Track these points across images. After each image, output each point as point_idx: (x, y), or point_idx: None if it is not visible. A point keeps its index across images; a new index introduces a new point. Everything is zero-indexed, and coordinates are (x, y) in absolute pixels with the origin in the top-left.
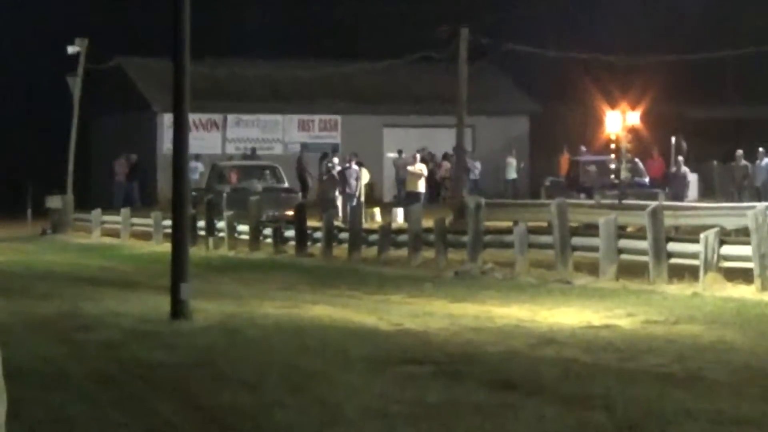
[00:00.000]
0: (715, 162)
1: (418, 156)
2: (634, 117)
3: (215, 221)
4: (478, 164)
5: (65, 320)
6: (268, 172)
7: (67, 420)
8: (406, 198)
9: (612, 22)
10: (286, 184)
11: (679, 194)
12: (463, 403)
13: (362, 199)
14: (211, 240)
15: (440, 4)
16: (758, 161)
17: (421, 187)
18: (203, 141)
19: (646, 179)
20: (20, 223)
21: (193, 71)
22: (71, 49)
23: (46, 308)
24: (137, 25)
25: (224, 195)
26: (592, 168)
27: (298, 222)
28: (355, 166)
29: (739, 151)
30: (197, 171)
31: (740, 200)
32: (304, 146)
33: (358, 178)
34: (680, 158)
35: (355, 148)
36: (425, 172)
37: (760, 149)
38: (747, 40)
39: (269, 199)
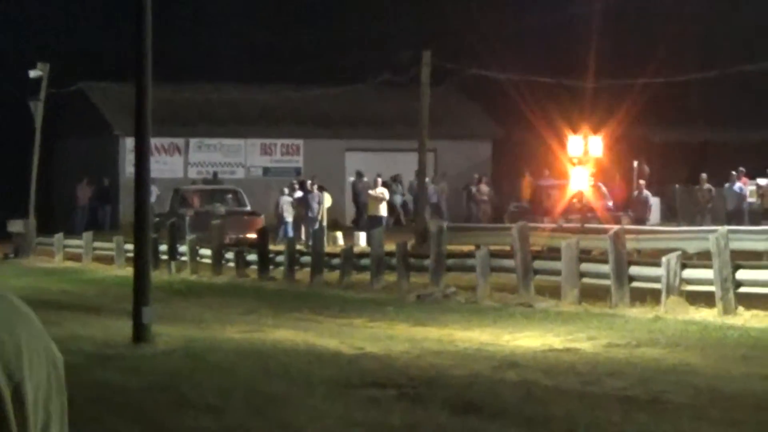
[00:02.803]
0: (677, 185)
1: (379, 180)
2: (596, 141)
3: (177, 245)
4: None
5: None
6: (230, 195)
7: None
8: (368, 222)
9: (576, 46)
10: (248, 208)
11: (641, 218)
12: (425, 426)
13: (324, 223)
14: (173, 264)
15: (404, 29)
16: (729, 184)
17: (383, 211)
18: (165, 165)
19: (610, 203)
20: None
21: (155, 95)
22: (33, 74)
23: None
24: (100, 50)
25: (187, 218)
26: (555, 192)
27: (261, 246)
28: (317, 191)
29: (703, 175)
30: (154, 194)
31: (703, 224)
32: (267, 170)
33: (320, 202)
34: (642, 182)
35: (317, 172)
36: (387, 196)
37: (733, 172)
38: (711, 63)
39: (232, 222)
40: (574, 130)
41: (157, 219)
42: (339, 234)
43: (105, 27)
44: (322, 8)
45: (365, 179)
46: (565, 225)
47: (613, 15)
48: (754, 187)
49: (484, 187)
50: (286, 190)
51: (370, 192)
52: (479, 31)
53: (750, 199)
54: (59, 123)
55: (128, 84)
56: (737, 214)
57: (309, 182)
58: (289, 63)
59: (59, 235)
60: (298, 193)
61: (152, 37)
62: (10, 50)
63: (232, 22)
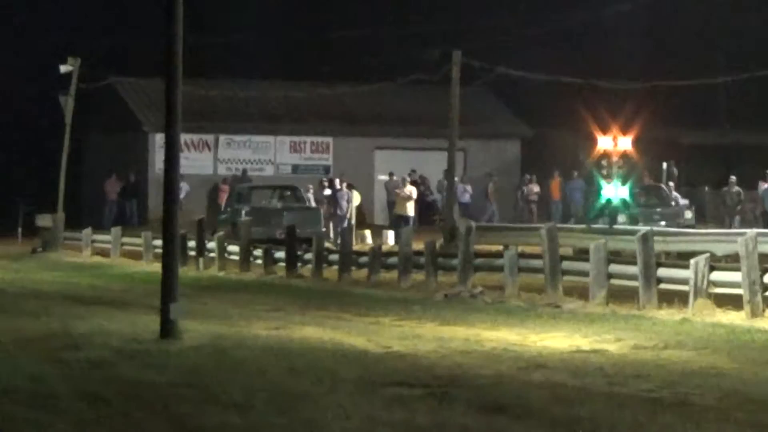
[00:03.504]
0: (706, 188)
1: (407, 179)
2: (625, 142)
3: (206, 241)
4: (469, 188)
5: (54, 339)
6: (289, 192)
7: None
8: (395, 221)
9: (606, 47)
10: (307, 204)
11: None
12: (451, 425)
13: (353, 221)
14: (201, 260)
15: (434, 27)
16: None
17: (410, 210)
18: (195, 161)
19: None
20: (11, 242)
21: (185, 92)
22: (63, 69)
23: (36, 326)
24: (130, 46)
25: (244, 214)
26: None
27: (288, 243)
28: (345, 189)
29: (732, 177)
30: (183, 191)
31: (732, 226)
32: (296, 168)
33: (349, 200)
34: (671, 184)
35: (346, 170)
36: (414, 195)
37: None
38: (740, 65)
39: (292, 218)
40: (604, 131)
41: (223, 216)
42: (367, 232)
43: (136, 22)
44: (353, 6)
45: (395, 178)
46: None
47: (644, 16)
48: None
49: (535, 187)
50: (311, 188)
51: (397, 191)
52: (509, 31)
53: None
54: (89, 118)
55: (158, 80)
56: None
57: (338, 180)
58: (319, 60)
59: (87, 230)
60: (327, 191)
61: (183, 33)
62: (41, 45)
63: (262, 18)
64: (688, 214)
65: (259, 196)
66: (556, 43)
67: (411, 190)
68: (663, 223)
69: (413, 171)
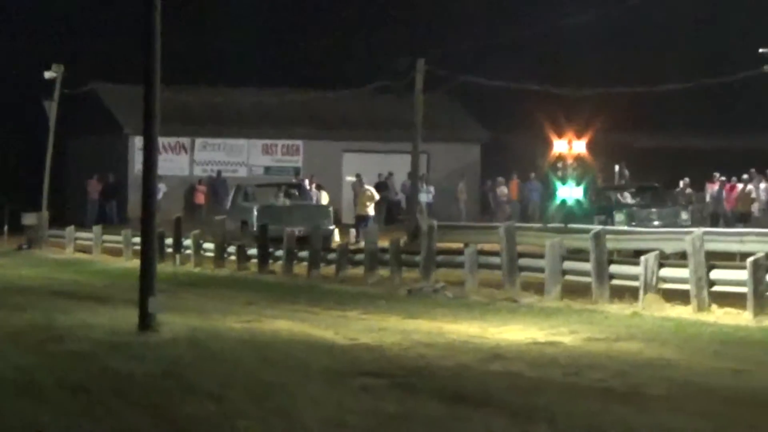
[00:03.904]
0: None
1: (363, 180)
2: (580, 145)
3: (183, 239)
4: (432, 188)
5: (39, 331)
6: (294, 189)
7: (39, 428)
8: (356, 220)
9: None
10: (314, 201)
11: None
12: (416, 414)
13: None
14: (178, 257)
15: (399, 36)
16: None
17: (371, 210)
18: (172, 163)
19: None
20: None
21: (163, 97)
22: (48, 75)
23: (21, 320)
24: (111, 53)
25: (255, 212)
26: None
27: (260, 241)
28: (315, 189)
29: (686, 179)
30: (161, 191)
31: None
32: (268, 169)
33: (318, 200)
34: (620, 184)
35: (315, 171)
36: (376, 196)
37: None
38: (689, 74)
39: (300, 215)
40: (559, 136)
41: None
42: (335, 230)
43: (116, 31)
44: (324, 16)
45: (362, 179)
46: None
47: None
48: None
49: (503, 189)
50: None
51: (359, 191)
52: (471, 40)
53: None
54: (72, 122)
55: (137, 86)
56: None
57: (307, 181)
58: (290, 68)
59: (70, 228)
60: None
61: (161, 41)
62: (26, 52)
63: (236, 27)
64: (684, 215)
65: (267, 194)
66: (516, 52)
67: (371, 191)
68: (656, 223)
69: (390, 174)
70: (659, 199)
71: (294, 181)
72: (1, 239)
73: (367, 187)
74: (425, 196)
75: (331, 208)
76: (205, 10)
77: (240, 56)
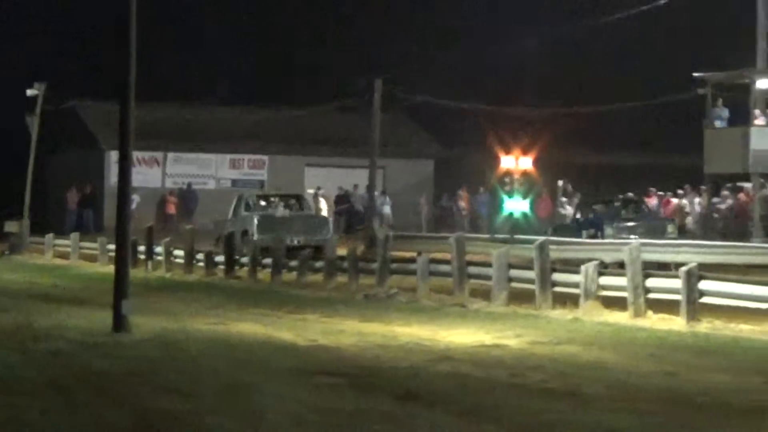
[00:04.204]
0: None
1: (318, 193)
2: (526, 161)
3: (155, 246)
4: (388, 200)
5: (20, 331)
6: (293, 200)
7: (20, 422)
8: None
9: (512, 76)
10: (313, 212)
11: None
12: (371, 411)
13: None
14: (150, 263)
15: (359, 57)
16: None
17: None
18: (145, 175)
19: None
20: None
21: (138, 114)
22: (30, 92)
23: (3, 320)
24: (90, 72)
25: (255, 222)
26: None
27: (227, 249)
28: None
29: (629, 194)
30: (134, 202)
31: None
32: (235, 182)
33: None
34: (564, 199)
35: (280, 184)
36: (325, 207)
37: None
38: (632, 94)
39: (300, 226)
40: (507, 152)
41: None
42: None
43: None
44: (289, 39)
45: (321, 191)
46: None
47: (547, 48)
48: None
49: (462, 203)
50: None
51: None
52: (426, 62)
53: None
54: (52, 136)
55: (114, 103)
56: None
57: (312, 191)
58: (257, 87)
59: (50, 236)
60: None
61: (136, 61)
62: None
63: (208, 49)
64: (671, 228)
65: (266, 205)
66: (470, 72)
67: (322, 203)
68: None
69: (356, 186)
70: (645, 213)
71: (295, 192)
72: None
73: (320, 199)
74: (387, 208)
75: (331, 219)
76: (178, 33)
77: (211, 76)
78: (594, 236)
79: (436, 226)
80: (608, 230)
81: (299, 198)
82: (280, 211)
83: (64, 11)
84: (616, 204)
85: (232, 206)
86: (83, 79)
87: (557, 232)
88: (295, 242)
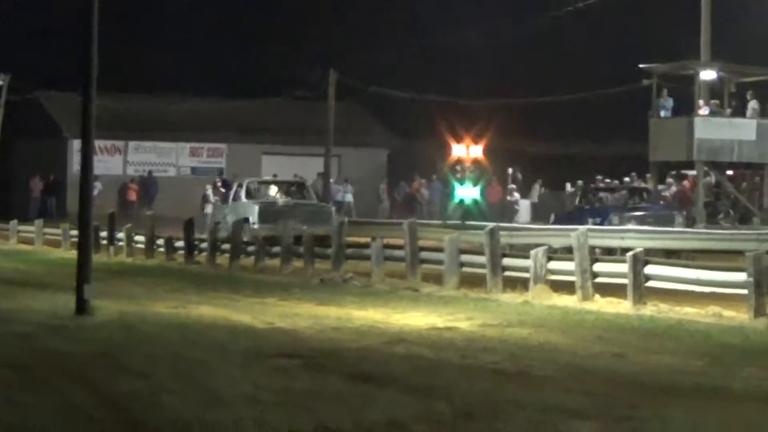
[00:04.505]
0: (545, 190)
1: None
2: (477, 150)
3: (116, 232)
4: (343, 187)
5: None
6: (294, 188)
7: None
8: None
9: (464, 68)
10: (315, 200)
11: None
12: (325, 391)
13: None
14: (111, 248)
15: (315, 48)
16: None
17: None
18: (107, 164)
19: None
20: None
21: (100, 104)
22: None
23: None
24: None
25: (256, 210)
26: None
27: (187, 234)
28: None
29: (579, 182)
30: (96, 189)
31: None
32: (194, 170)
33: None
34: (512, 186)
35: (237, 172)
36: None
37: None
38: (581, 85)
39: (302, 214)
40: (458, 141)
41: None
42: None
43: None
44: (247, 32)
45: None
46: (448, 222)
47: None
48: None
49: (425, 191)
50: (209, 187)
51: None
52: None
53: None
54: (17, 126)
55: (76, 93)
56: None
57: (230, 180)
58: (216, 78)
59: (14, 222)
60: (221, 190)
61: (98, 53)
62: None
63: (167, 41)
64: (679, 219)
65: (269, 193)
66: (423, 64)
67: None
68: (650, 226)
69: (319, 175)
70: (653, 202)
71: (297, 179)
72: None
73: (270, 186)
74: (349, 196)
75: (333, 208)
76: (138, 26)
77: (170, 67)
78: (600, 225)
79: (400, 213)
80: (615, 219)
81: (301, 185)
82: (282, 199)
83: (29, 3)
84: (623, 192)
85: (232, 192)
86: (47, 70)
87: (560, 220)
88: (303, 230)
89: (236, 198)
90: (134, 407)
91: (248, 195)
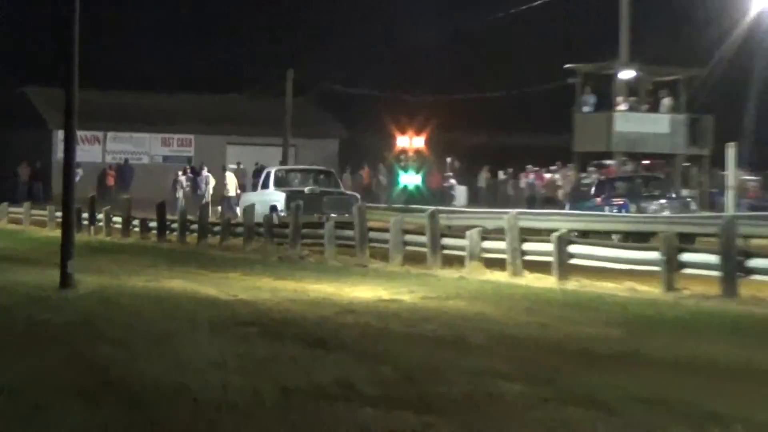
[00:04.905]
0: (490, 176)
1: (227, 168)
2: (419, 141)
3: (97, 213)
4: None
5: None
6: (322, 176)
7: None
8: (220, 200)
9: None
10: (342, 188)
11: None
12: (283, 355)
13: (209, 199)
14: (92, 228)
15: (275, 49)
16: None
17: (231, 191)
18: (88, 152)
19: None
20: None
21: (81, 98)
22: None
23: None
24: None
25: (284, 197)
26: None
27: (159, 215)
28: (205, 173)
29: (510, 170)
30: (78, 175)
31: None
32: (166, 158)
33: (207, 183)
34: (449, 173)
35: (204, 160)
36: (233, 180)
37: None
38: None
39: (330, 202)
40: (402, 133)
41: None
42: (219, 208)
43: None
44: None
45: (242, 167)
46: (394, 205)
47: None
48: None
49: (382, 178)
50: (180, 173)
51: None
52: (335, 52)
53: (542, 190)
54: (5, 118)
55: (60, 89)
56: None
57: (198, 168)
58: (185, 75)
59: (4, 204)
60: (190, 176)
61: (79, 49)
62: None
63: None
64: (693, 206)
65: (297, 180)
66: (371, 61)
67: (231, 176)
68: (666, 213)
69: (257, 163)
70: (666, 189)
71: (324, 168)
72: None
73: (228, 173)
74: None
75: (358, 196)
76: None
77: (145, 66)
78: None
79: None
80: (632, 207)
81: (329, 174)
82: (310, 187)
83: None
84: (638, 181)
85: (261, 180)
86: (33, 66)
87: (576, 207)
88: (323, 219)
89: (265, 186)
90: (109, 372)
91: (276, 183)
